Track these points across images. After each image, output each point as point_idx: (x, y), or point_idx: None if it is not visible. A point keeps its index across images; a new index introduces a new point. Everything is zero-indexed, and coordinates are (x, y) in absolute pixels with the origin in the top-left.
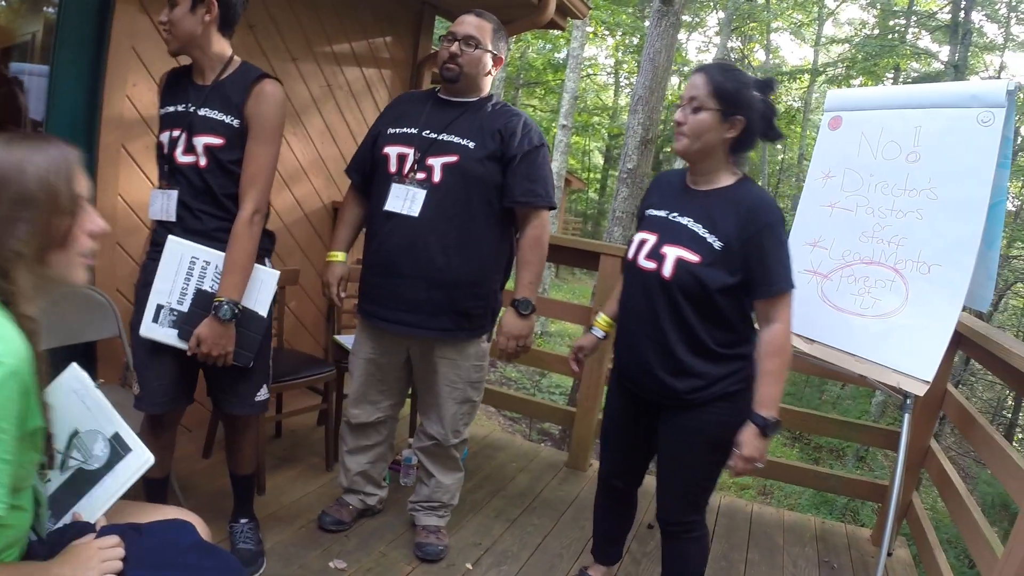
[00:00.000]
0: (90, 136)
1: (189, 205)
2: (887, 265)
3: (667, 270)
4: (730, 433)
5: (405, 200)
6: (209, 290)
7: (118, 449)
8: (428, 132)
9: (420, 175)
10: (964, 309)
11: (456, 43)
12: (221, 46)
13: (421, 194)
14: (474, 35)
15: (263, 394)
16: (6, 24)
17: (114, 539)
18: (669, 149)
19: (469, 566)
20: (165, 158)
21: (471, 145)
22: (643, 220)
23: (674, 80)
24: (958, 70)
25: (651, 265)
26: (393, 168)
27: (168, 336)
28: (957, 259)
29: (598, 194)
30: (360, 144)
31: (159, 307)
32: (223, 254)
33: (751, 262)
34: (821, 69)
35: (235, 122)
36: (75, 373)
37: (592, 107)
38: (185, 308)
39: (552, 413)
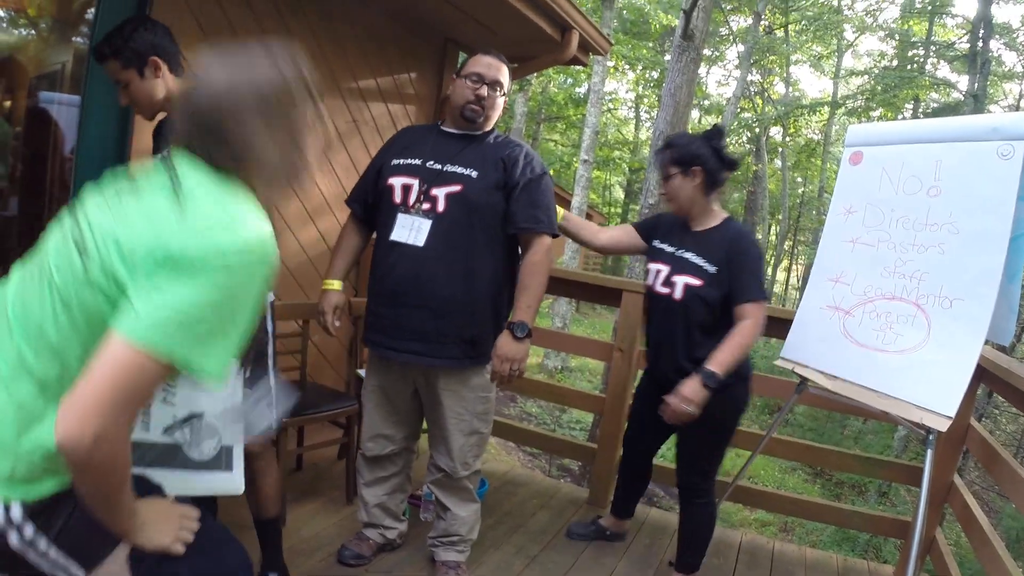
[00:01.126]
0: (120, 168)
1: None
2: (909, 300)
3: (678, 294)
4: (726, 418)
5: (411, 230)
6: None
7: (221, 460)
8: (432, 163)
9: (425, 205)
10: (986, 343)
11: (485, 87)
12: (178, 86)
13: (426, 224)
14: (501, 80)
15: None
16: (36, 54)
17: (196, 511)
18: None
19: None
20: None
21: (475, 175)
22: (653, 251)
23: (695, 114)
24: (977, 100)
25: (666, 291)
26: (398, 198)
27: None
28: (979, 293)
29: None
30: (362, 175)
31: None
32: None
33: (732, 279)
34: (841, 101)
35: None
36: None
37: (613, 141)
38: None
39: (572, 449)
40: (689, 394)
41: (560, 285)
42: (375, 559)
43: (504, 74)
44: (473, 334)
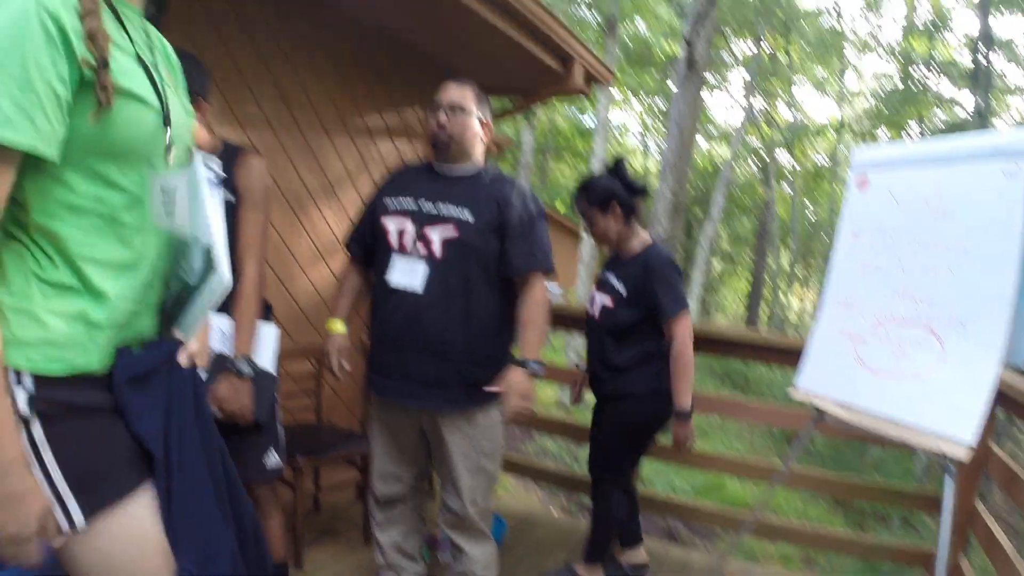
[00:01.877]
0: None
1: None
2: (921, 324)
3: (596, 313)
4: (637, 425)
5: (407, 274)
6: (221, 351)
7: (209, 263)
8: (425, 204)
9: (421, 248)
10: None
11: (440, 111)
12: None
13: (423, 268)
14: (458, 101)
15: (273, 460)
16: None
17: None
18: (699, 211)
19: None
20: None
21: (470, 217)
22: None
23: (702, 142)
24: (981, 116)
25: (591, 310)
26: (393, 241)
27: None
28: (992, 314)
29: None
30: (359, 216)
31: None
32: (224, 317)
33: (649, 300)
34: (846, 125)
35: (230, 197)
36: (200, 167)
37: None
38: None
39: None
40: (678, 434)
41: (575, 321)
42: None
43: (468, 97)
44: (475, 377)
